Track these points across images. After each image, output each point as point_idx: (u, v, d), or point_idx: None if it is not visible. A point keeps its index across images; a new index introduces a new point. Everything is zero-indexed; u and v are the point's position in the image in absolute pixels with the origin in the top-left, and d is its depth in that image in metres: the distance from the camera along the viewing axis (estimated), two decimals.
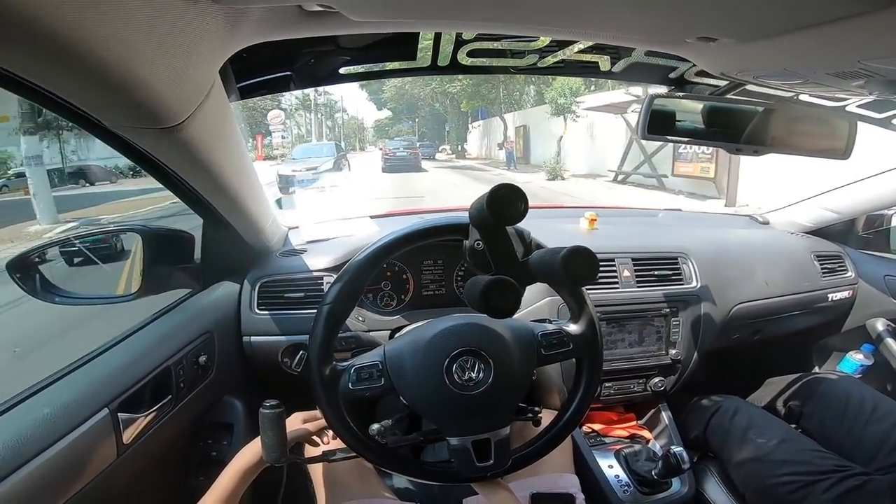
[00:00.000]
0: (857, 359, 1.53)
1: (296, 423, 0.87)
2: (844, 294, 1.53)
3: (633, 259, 1.31)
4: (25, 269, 0.89)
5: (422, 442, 0.84)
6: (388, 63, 0.95)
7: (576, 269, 0.63)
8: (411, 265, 1.28)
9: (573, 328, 0.83)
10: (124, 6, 0.39)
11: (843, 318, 1.60)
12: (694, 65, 0.92)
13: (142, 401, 0.82)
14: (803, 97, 1.01)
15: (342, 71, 0.92)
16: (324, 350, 0.74)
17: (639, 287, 1.29)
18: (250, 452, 0.81)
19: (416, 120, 44.87)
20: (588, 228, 1.46)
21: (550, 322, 0.88)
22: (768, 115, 0.95)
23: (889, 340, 1.49)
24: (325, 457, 0.82)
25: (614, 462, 1.23)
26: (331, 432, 0.90)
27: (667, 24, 0.64)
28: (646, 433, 1.36)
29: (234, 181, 0.86)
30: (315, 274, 1.18)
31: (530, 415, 0.89)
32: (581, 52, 0.93)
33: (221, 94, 0.66)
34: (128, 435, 0.77)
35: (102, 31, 0.39)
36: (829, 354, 1.67)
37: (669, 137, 0.97)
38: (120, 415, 0.76)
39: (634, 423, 1.41)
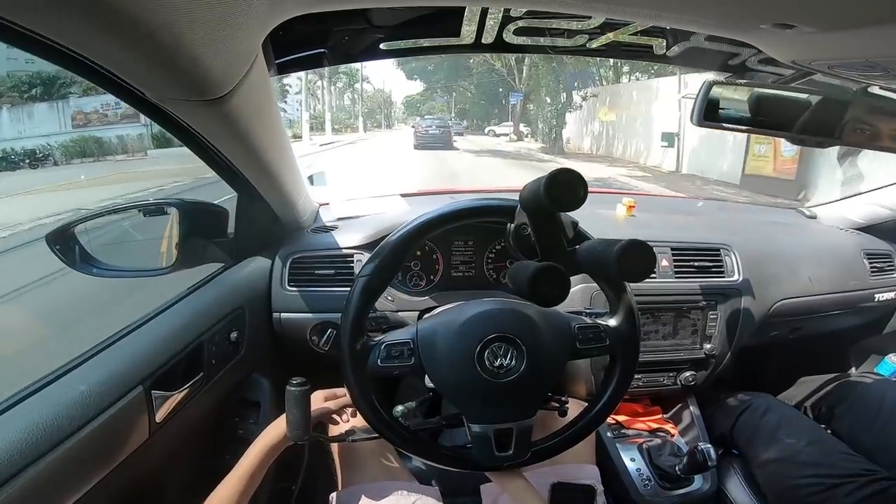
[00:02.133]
0: None
1: (318, 401, 0.88)
2: (891, 295, 1.46)
3: (673, 249, 1.27)
4: (65, 241, 0.90)
5: (443, 426, 0.83)
6: (429, 39, 0.90)
7: (631, 265, 0.60)
8: (442, 245, 1.26)
9: (611, 322, 0.81)
10: None
11: (887, 320, 1.54)
12: (759, 51, 0.85)
13: (175, 378, 0.82)
14: (873, 89, 0.94)
15: (383, 46, 0.88)
16: (357, 324, 0.74)
17: (677, 278, 1.25)
18: (275, 431, 0.82)
19: (454, 95, 40.03)
20: (625, 215, 1.41)
21: (587, 314, 0.85)
22: (836, 105, 0.89)
23: None
24: (346, 436, 0.83)
25: (637, 455, 1.21)
26: (350, 410, 0.90)
27: (741, 10, 0.59)
28: (670, 427, 1.34)
29: (271, 156, 0.85)
30: (345, 251, 1.17)
31: (556, 405, 0.88)
32: (634, 34, 0.87)
33: (262, 68, 0.65)
34: (160, 413, 0.77)
35: (163, 15, 0.38)
36: (867, 356, 1.62)
37: (727, 125, 0.91)
38: (153, 392, 0.76)
39: (660, 416, 1.39)
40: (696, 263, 1.27)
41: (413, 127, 24.58)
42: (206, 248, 1.04)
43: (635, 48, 0.92)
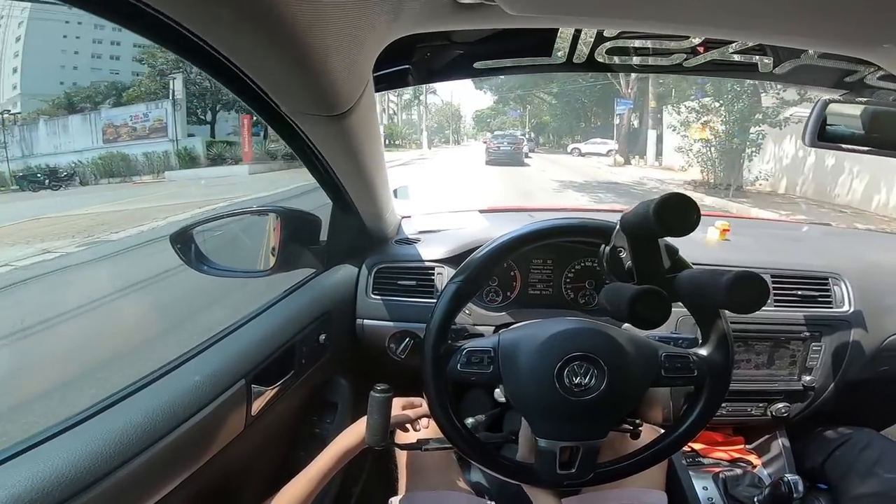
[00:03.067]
0: None
1: (395, 408, 0.89)
2: None
3: (773, 276, 1.19)
4: (185, 242, 1.00)
5: (512, 441, 0.84)
6: (520, 58, 0.92)
7: (742, 297, 0.58)
8: (520, 263, 1.26)
9: (702, 352, 0.77)
10: None
11: None
12: (880, 68, 0.79)
13: (270, 375, 0.87)
14: None
15: (476, 66, 0.91)
16: (442, 328, 0.75)
17: (776, 306, 1.18)
18: (352, 435, 0.84)
19: (528, 108, 35.75)
20: (718, 239, 1.34)
21: (676, 342, 0.83)
22: None
23: None
24: (419, 445, 0.85)
25: (710, 484, 1.16)
26: (424, 421, 0.92)
27: (862, 30, 0.55)
28: (753, 458, 1.27)
29: (370, 169, 0.89)
30: (427, 264, 1.21)
31: (629, 427, 0.85)
32: (738, 52, 0.84)
33: (372, 85, 0.68)
34: (255, 406, 0.82)
35: (303, 19, 0.41)
36: None
37: (845, 146, 0.85)
38: (253, 387, 0.81)
39: (742, 446, 1.32)
40: (799, 292, 1.19)
41: (484, 143, 24.01)
42: (301, 254, 1.11)
43: (737, 66, 0.88)
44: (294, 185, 10.37)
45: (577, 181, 13.35)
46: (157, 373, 0.72)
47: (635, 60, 0.89)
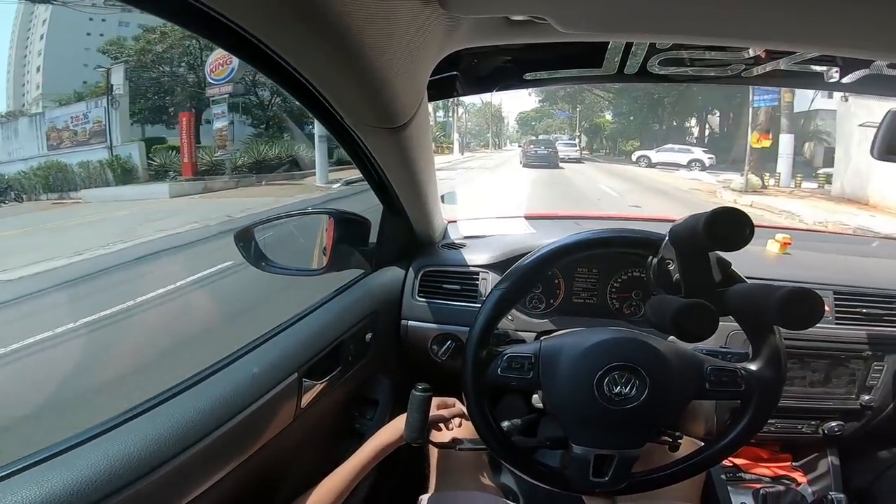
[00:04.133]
0: None
1: (432, 408, 0.91)
2: None
3: (836, 293, 1.15)
4: (247, 240, 1.06)
5: (547, 446, 0.84)
6: (571, 70, 0.93)
7: (795, 313, 0.58)
8: (565, 271, 1.26)
9: (751, 367, 0.76)
10: (382, 12, 0.43)
11: None
12: None
13: (319, 369, 0.91)
14: None
15: (526, 77, 0.93)
16: (485, 332, 0.77)
17: (838, 324, 1.13)
18: (391, 431, 0.87)
19: (578, 109, 31.13)
20: (778, 252, 1.29)
21: (725, 356, 0.81)
22: None
23: None
24: (454, 444, 0.87)
25: (749, 500, 1.14)
26: (457, 421, 0.93)
27: None
28: (798, 476, 1.24)
29: (422, 176, 0.92)
30: (472, 269, 1.23)
31: (669, 440, 0.83)
32: (802, 62, 0.81)
33: (426, 98, 0.71)
34: (305, 399, 0.86)
35: (368, 37, 0.44)
36: None
37: None
38: (304, 380, 0.85)
39: (788, 464, 1.28)
40: (864, 310, 1.14)
41: (521, 147, 24.06)
42: (351, 255, 1.16)
43: (803, 75, 0.85)
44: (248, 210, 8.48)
45: None
46: (219, 364, 0.77)
47: (690, 71, 0.87)
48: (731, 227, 0.60)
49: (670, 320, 0.60)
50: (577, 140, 27.98)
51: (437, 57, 0.62)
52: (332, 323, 1.00)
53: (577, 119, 32.20)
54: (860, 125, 8.24)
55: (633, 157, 20.51)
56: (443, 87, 0.92)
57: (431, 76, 0.92)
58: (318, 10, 0.39)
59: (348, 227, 1.15)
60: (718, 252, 0.71)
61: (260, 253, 1.10)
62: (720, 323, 1.07)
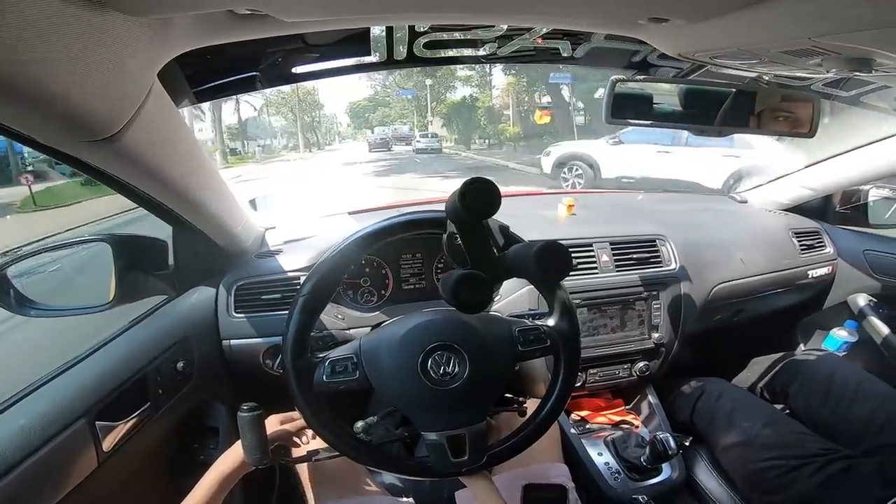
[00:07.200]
0: (840, 336, 1.53)
1: (273, 424, 0.88)
2: (824, 270, 1.53)
3: (612, 244, 1.31)
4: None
5: (405, 438, 0.83)
6: (342, 60, 0.93)
7: (549, 265, 0.63)
8: (389, 259, 1.27)
9: (550, 322, 0.82)
10: (38, 24, 0.38)
11: (825, 295, 1.61)
12: (654, 48, 0.91)
13: (120, 409, 0.83)
14: (769, 78, 1.01)
15: (295, 71, 0.91)
16: (298, 343, 0.74)
17: (618, 271, 1.29)
18: (231, 456, 0.81)
19: (429, 84, 21.93)
20: (566, 214, 1.46)
21: (529, 317, 0.87)
22: (732, 96, 0.95)
23: (871, 317, 1.50)
24: (309, 457, 0.83)
25: (603, 449, 1.23)
26: (310, 433, 0.90)
27: (617, 6, 0.63)
28: (633, 418, 1.37)
29: (191, 186, 0.85)
30: (290, 274, 1.18)
31: (515, 405, 0.89)
32: (540, 37, 0.92)
33: (162, 100, 0.66)
34: (108, 443, 0.78)
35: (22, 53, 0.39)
36: (812, 332, 1.68)
37: (633, 121, 0.97)
38: (98, 423, 0.77)
39: (622, 408, 1.42)
40: (635, 256, 1.31)
41: (365, 140, 25.67)
42: (146, 282, 1.04)
43: (542, 52, 0.97)
44: None
45: None
46: None
47: (452, 52, 0.94)
48: (479, 195, 0.63)
49: (449, 294, 0.62)
50: (429, 132, 21.24)
51: (152, 61, 0.57)
52: (128, 357, 0.89)
53: (427, 100, 23.10)
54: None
55: (544, 151, 11.35)
56: (205, 88, 0.87)
57: (210, 79, 0.86)
58: None
59: (136, 252, 1.03)
60: (499, 218, 0.74)
61: (21, 296, 0.92)
62: (531, 286, 1.18)
